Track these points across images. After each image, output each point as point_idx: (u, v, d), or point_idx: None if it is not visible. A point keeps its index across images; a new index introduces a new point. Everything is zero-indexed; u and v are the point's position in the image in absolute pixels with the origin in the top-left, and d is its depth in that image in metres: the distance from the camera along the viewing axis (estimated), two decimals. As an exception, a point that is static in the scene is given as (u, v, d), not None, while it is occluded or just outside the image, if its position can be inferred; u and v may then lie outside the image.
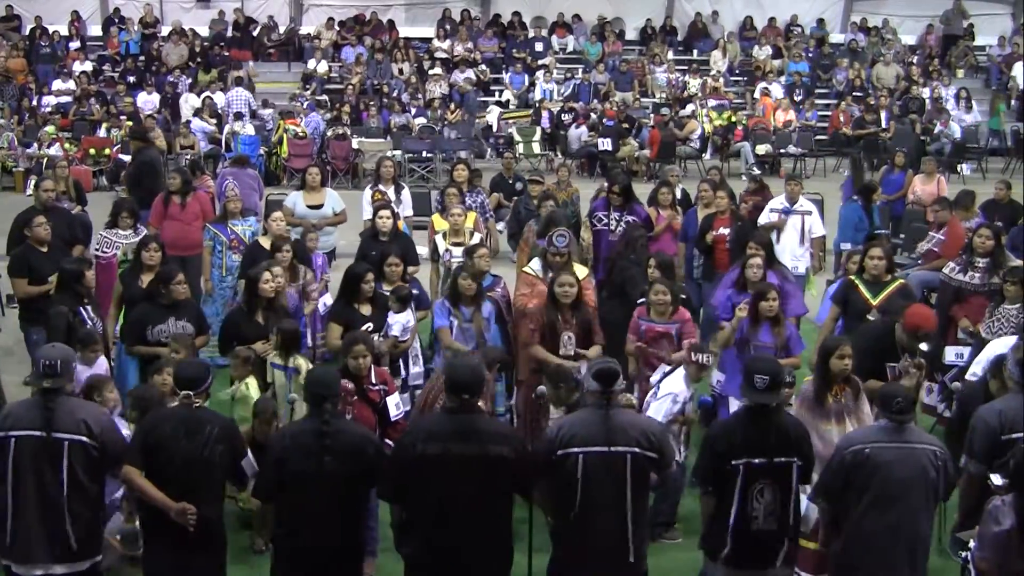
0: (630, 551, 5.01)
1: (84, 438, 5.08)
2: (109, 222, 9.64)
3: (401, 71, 23.09)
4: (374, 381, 6.44)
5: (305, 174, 11.19)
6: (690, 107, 21.59)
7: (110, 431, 5.25)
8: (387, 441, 6.41)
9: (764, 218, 10.60)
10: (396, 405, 6.52)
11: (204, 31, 23.95)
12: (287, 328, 7.18)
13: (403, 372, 7.58)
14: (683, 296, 7.97)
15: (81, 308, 7.46)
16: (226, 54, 23.02)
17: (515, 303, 8.13)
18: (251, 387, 7.02)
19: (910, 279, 9.21)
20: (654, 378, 6.93)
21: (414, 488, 4.96)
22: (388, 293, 7.83)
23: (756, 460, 5.05)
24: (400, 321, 7.62)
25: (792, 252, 10.32)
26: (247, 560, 6.47)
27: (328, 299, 8.86)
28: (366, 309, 7.55)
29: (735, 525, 5.11)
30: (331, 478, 4.94)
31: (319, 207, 10.65)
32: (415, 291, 8.34)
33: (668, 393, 6.56)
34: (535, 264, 8.21)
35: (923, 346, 6.67)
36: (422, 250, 9.55)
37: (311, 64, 22.99)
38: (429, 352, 8.13)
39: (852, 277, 8.00)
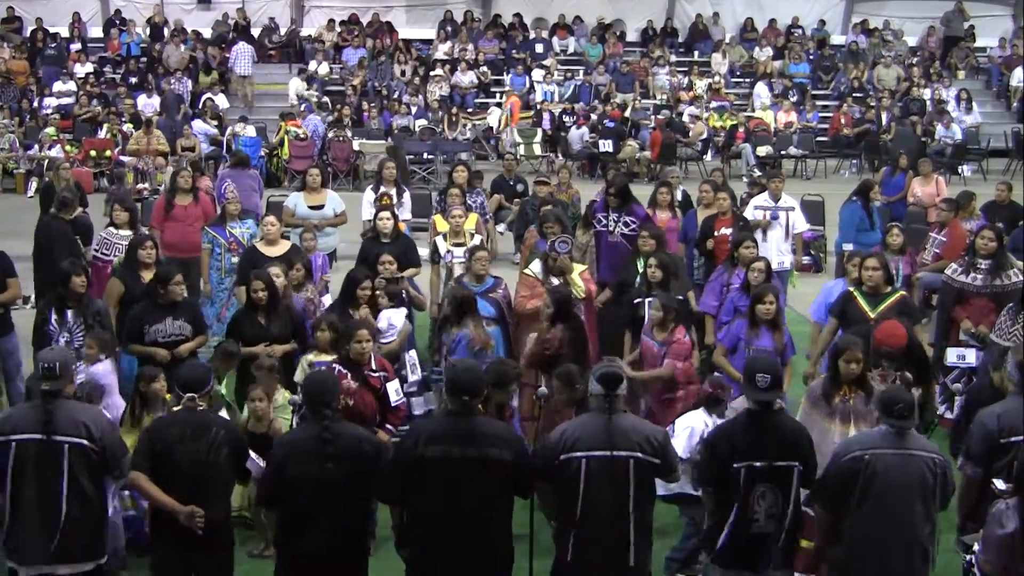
0: (631, 556, 5.00)
1: (84, 441, 5.09)
2: (108, 221, 9.64)
3: (403, 72, 23.09)
4: (374, 367, 6.52)
5: (306, 175, 11.20)
6: (691, 109, 21.60)
7: (110, 433, 5.26)
8: (388, 427, 6.46)
9: (748, 216, 10.61)
10: (396, 391, 6.61)
11: (205, 32, 23.95)
12: (332, 321, 7.10)
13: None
14: (680, 298, 7.97)
15: (53, 309, 7.40)
16: (227, 55, 23.04)
17: (516, 305, 8.16)
18: (283, 398, 6.84)
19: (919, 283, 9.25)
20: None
21: (414, 490, 4.95)
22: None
23: (757, 463, 5.04)
24: (387, 317, 7.57)
25: (778, 247, 10.34)
26: (253, 562, 6.47)
27: (328, 300, 8.86)
28: (364, 313, 7.58)
29: (735, 527, 5.10)
30: (334, 482, 4.94)
31: (320, 208, 10.65)
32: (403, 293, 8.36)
33: (686, 427, 6.33)
34: (535, 266, 8.26)
35: (885, 363, 6.38)
36: (423, 251, 9.56)
37: (312, 66, 22.99)
38: (437, 356, 8.14)
39: (851, 288, 7.90)
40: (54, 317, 7.40)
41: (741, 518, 5.08)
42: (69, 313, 7.41)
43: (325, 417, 5.03)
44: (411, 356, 8.03)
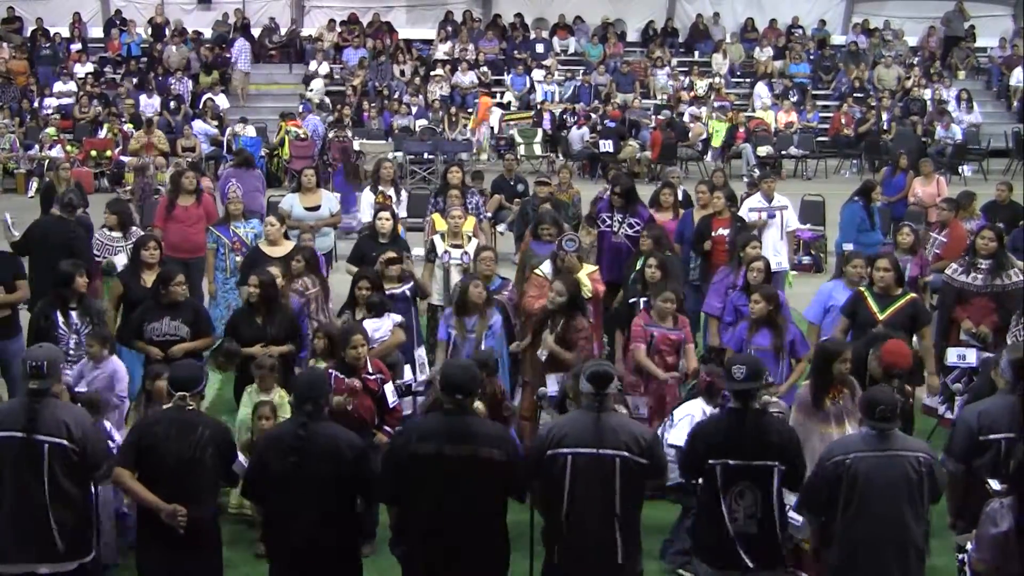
0: (618, 554, 4.99)
1: (64, 441, 5.07)
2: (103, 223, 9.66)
3: (403, 72, 23.09)
4: (371, 371, 6.53)
5: (301, 176, 11.18)
6: (691, 109, 21.61)
7: (91, 434, 5.24)
8: (386, 428, 6.48)
9: (742, 215, 10.62)
10: (393, 392, 6.63)
11: (205, 32, 23.93)
12: (331, 331, 7.11)
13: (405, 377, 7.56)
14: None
15: (58, 311, 7.36)
16: (226, 55, 23.04)
17: (524, 305, 8.16)
18: (283, 398, 6.89)
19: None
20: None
21: (408, 489, 4.96)
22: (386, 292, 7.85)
23: (732, 461, 5.07)
24: (370, 328, 7.55)
25: (774, 246, 10.34)
26: (254, 562, 6.46)
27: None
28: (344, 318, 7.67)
29: (716, 525, 5.12)
30: (308, 480, 4.95)
31: (315, 208, 10.64)
32: (407, 289, 8.35)
33: (686, 415, 6.34)
34: (545, 267, 8.25)
35: (895, 383, 6.41)
36: (417, 251, 9.55)
37: (312, 66, 22.99)
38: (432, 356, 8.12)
39: (861, 289, 7.80)
40: (60, 319, 7.35)
41: (721, 516, 5.09)
42: (73, 314, 7.39)
43: (305, 414, 5.04)
44: (419, 355, 8.01)
